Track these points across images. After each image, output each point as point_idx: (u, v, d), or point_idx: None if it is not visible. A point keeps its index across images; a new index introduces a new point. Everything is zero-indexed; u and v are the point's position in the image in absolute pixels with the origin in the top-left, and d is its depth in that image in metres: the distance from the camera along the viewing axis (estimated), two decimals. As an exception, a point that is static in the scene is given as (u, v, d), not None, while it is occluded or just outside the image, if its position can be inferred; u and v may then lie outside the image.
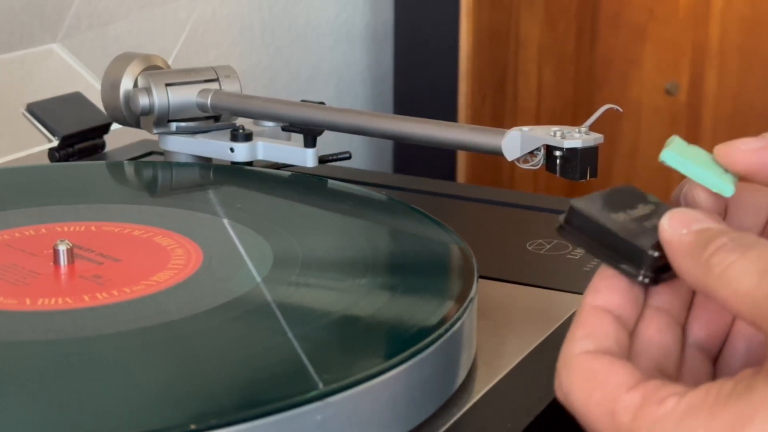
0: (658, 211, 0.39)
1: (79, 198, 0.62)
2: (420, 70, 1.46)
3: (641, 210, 0.39)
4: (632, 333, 0.38)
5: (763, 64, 1.45)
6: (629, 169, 1.52)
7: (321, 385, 0.40)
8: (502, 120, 1.48)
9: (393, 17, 1.48)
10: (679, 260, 0.36)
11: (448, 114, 1.40)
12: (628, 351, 0.38)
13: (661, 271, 0.38)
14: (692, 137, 1.48)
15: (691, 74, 1.48)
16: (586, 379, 0.36)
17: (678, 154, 0.40)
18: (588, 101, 1.51)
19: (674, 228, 0.37)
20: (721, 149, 0.40)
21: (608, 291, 0.38)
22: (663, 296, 0.39)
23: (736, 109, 1.47)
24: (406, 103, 1.48)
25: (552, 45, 1.50)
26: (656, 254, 0.37)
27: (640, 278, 0.38)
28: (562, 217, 0.40)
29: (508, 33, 1.48)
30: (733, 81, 1.46)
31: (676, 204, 0.41)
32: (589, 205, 0.39)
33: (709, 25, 1.46)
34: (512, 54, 1.49)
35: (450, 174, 1.43)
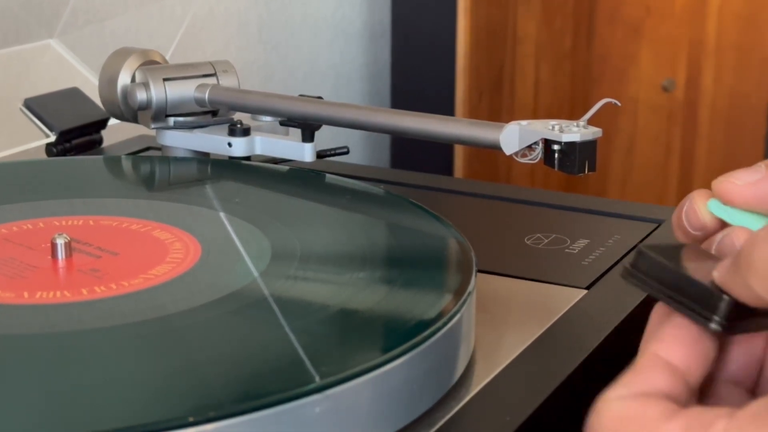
0: None
1: (77, 192, 0.62)
2: (417, 67, 1.46)
3: (711, 265, 0.38)
4: (696, 389, 0.36)
5: (759, 61, 1.45)
6: (626, 166, 1.52)
7: (318, 378, 0.40)
8: (499, 116, 1.48)
9: (390, 14, 1.48)
10: None
11: (446, 111, 1.40)
12: (683, 405, 0.35)
13: (735, 319, 0.36)
14: (689, 134, 1.48)
15: (688, 71, 1.48)
16: (618, 419, 0.34)
17: (719, 203, 0.39)
18: (585, 98, 1.51)
19: None
20: (718, 185, 0.39)
21: (673, 341, 0.36)
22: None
23: (732, 106, 1.47)
24: (403, 100, 1.48)
25: (549, 42, 1.50)
26: (733, 300, 0.35)
27: (713, 325, 0.35)
28: (628, 262, 0.39)
29: (505, 30, 1.48)
30: (729, 78, 1.46)
31: (678, 223, 0.41)
32: (660, 250, 0.38)
33: (705, 21, 1.46)
34: (509, 51, 1.49)
35: (447, 169, 1.43)
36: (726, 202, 0.39)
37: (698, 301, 0.36)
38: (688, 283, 0.37)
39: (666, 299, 0.37)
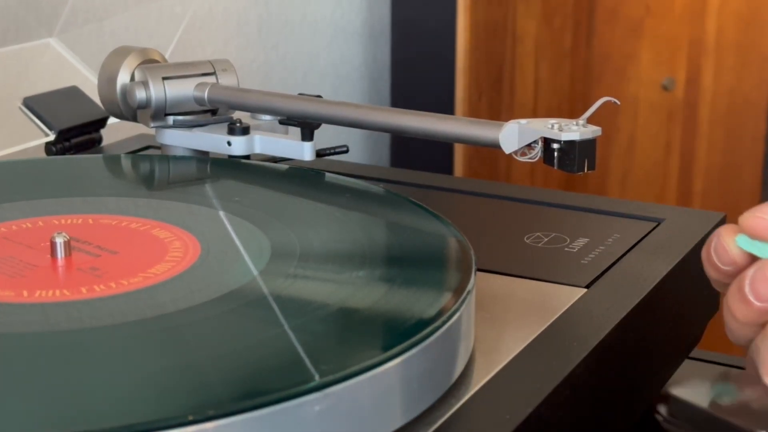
0: (760, 394, 0.38)
1: (76, 191, 0.62)
2: (417, 66, 1.46)
3: (740, 394, 0.38)
4: None
5: (759, 60, 1.45)
6: (626, 165, 1.52)
7: (317, 377, 0.40)
8: (498, 115, 1.48)
9: (390, 13, 1.48)
10: None
11: (445, 110, 1.40)
12: None
13: None
14: (689, 132, 1.48)
15: (688, 70, 1.48)
16: None
17: (748, 237, 0.40)
18: (585, 97, 1.51)
19: None
20: (746, 221, 0.40)
21: None
22: None
23: (732, 105, 1.47)
24: (402, 99, 1.48)
25: (549, 40, 1.50)
26: None
27: None
28: (663, 410, 0.39)
29: (504, 28, 1.48)
30: (729, 76, 1.46)
31: (708, 259, 0.41)
32: (689, 393, 0.38)
33: (705, 20, 1.46)
34: (509, 49, 1.49)
35: (447, 168, 1.43)
36: (754, 236, 0.39)
37: None
38: (720, 424, 0.38)
39: None
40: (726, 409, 0.37)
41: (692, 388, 0.38)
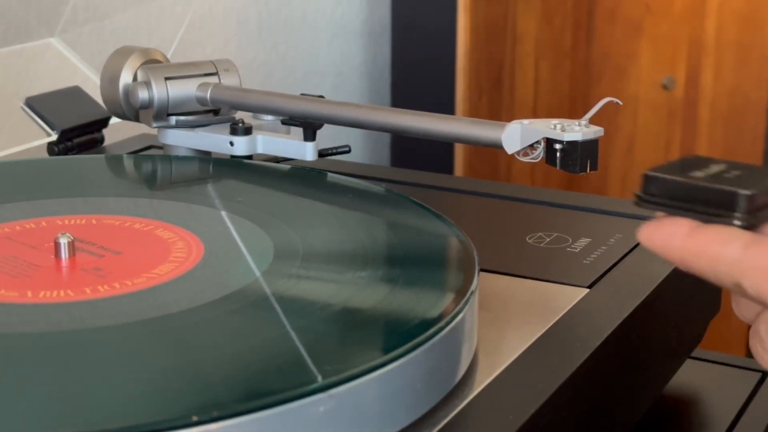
0: (732, 166, 0.39)
1: (79, 191, 0.62)
2: (417, 66, 1.46)
3: (715, 168, 0.39)
4: None
5: (759, 59, 1.45)
6: (626, 164, 1.52)
7: (322, 378, 0.40)
8: (499, 114, 1.49)
9: (390, 12, 1.48)
10: None
11: (446, 109, 1.40)
12: None
13: (755, 211, 0.38)
14: (689, 132, 1.48)
15: (688, 69, 1.48)
16: None
17: None
18: (585, 96, 1.52)
19: None
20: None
21: None
22: None
23: (732, 104, 1.47)
24: (403, 98, 1.48)
25: (549, 40, 1.51)
26: (749, 193, 0.37)
27: (736, 222, 0.38)
28: (638, 190, 0.40)
29: (505, 28, 1.48)
30: (729, 76, 1.46)
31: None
32: (665, 170, 0.39)
33: (705, 19, 1.46)
34: (509, 49, 1.49)
35: (447, 167, 1.43)
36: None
37: (717, 205, 0.38)
38: (702, 191, 0.38)
39: (685, 213, 0.39)
40: (703, 177, 0.38)
41: (668, 168, 0.39)
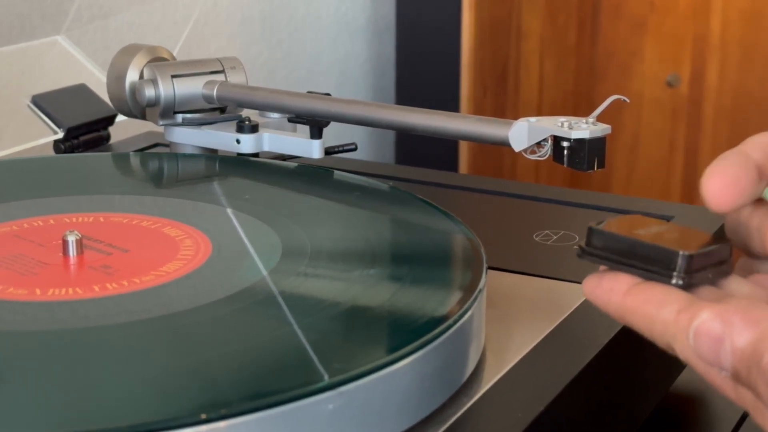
0: (675, 229, 0.40)
1: (86, 189, 0.62)
2: (422, 63, 1.46)
3: (657, 229, 0.40)
4: None
5: (763, 57, 1.45)
6: (630, 162, 1.52)
7: (329, 376, 0.40)
8: (503, 112, 1.48)
9: (394, 9, 1.48)
10: None
11: (450, 106, 1.40)
12: None
13: (694, 272, 0.38)
14: (693, 129, 1.48)
15: (692, 66, 1.48)
16: None
17: None
18: (589, 93, 1.51)
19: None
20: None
21: None
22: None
23: (736, 102, 1.47)
24: (407, 96, 1.48)
25: (553, 37, 1.50)
26: (688, 253, 0.38)
27: (674, 281, 0.38)
28: (581, 242, 0.40)
29: (509, 25, 1.48)
30: (734, 73, 1.46)
31: (733, 234, 0.42)
32: (609, 225, 0.40)
33: (709, 17, 1.46)
34: (514, 46, 1.49)
35: (452, 164, 1.43)
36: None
37: (657, 263, 0.39)
38: (644, 248, 0.39)
39: (625, 268, 0.40)
40: (647, 235, 0.39)
41: (612, 224, 0.40)
